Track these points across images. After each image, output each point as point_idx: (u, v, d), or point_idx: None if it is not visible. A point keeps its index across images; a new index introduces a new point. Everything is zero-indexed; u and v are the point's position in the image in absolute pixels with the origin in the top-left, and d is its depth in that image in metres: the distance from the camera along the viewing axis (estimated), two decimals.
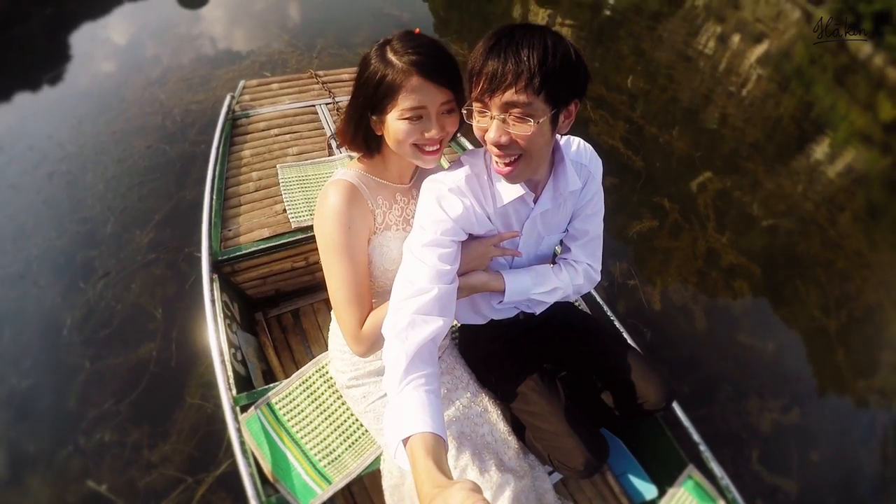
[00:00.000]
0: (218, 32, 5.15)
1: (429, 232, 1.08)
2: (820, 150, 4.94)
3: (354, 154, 1.26)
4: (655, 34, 6.43)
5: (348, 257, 1.14)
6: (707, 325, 2.85)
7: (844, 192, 4.42)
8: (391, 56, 1.05)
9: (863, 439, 2.66)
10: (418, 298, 1.00)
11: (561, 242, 1.40)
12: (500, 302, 1.29)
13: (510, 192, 1.14)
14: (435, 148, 1.11)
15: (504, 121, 0.97)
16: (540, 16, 6.35)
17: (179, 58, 4.62)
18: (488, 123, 1.00)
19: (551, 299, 1.32)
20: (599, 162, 1.29)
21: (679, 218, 3.54)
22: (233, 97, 2.72)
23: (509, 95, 0.94)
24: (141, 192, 3.22)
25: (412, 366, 0.91)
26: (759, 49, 6.87)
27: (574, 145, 1.25)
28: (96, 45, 4.88)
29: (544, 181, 1.20)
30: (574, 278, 1.33)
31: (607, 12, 6.74)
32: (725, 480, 1.51)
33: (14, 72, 4.48)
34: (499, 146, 1.01)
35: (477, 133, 1.04)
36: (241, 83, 2.89)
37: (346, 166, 1.26)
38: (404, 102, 1.05)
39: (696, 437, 1.57)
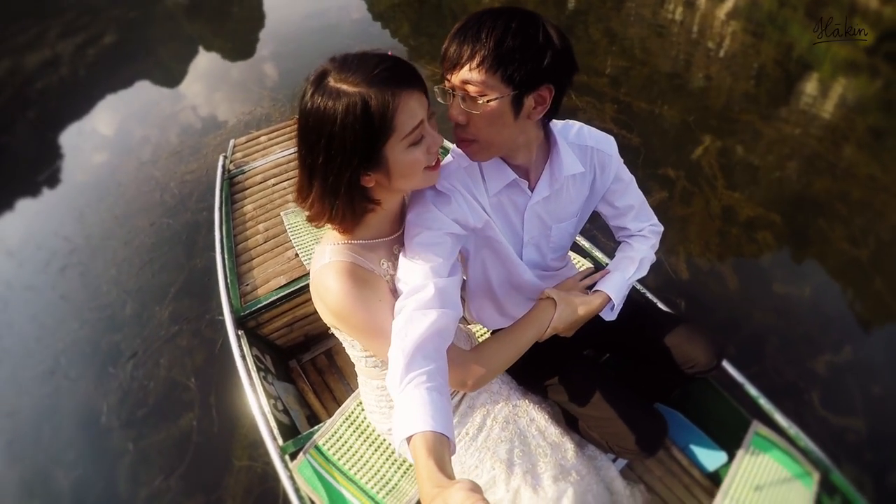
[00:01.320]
0: (199, 103, 5.23)
1: (419, 227, 1.05)
2: (810, 88, 4.86)
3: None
4: (623, 13, 6.44)
5: (385, 334, 0.96)
6: (739, 283, 2.79)
7: (844, 122, 4.32)
8: (354, 88, 0.84)
9: None
10: (415, 296, 0.95)
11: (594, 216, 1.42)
12: (613, 308, 1.30)
13: (499, 179, 1.13)
14: (437, 158, 1.00)
15: (464, 99, 0.97)
16: None
17: (167, 134, 4.69)
18: (451, 102, 1.00)
19: (645, 272, 1.35)
20: (610, 138, 1.27)
21: (687, 184, 3.49)
22: (226, 157, 2.77)
23: (465, 73, 0.95)
24: (153, 268, 3.25)
25: (413, 363, 0.86)
26: (727, 4, 6.85)
27: (574, 128, 1.23)
28: (84, 139, 4.98)
29: (539, 168, 1.17)
30: (647, 242, 1.38)
31: (571, 4, 6.78)
32: (794, 429, 1.45)
33: (9, 177, 4.59)
34: (457, 124, 1.01)
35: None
36: (231, 142, 2.95)
37: (321, 241, 1.09)
38: (405, 126, 0.88)
39: (753, 391, 1.52)
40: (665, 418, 1.33)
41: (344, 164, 0.89)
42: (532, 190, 1.18)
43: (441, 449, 0.75)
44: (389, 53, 0.93)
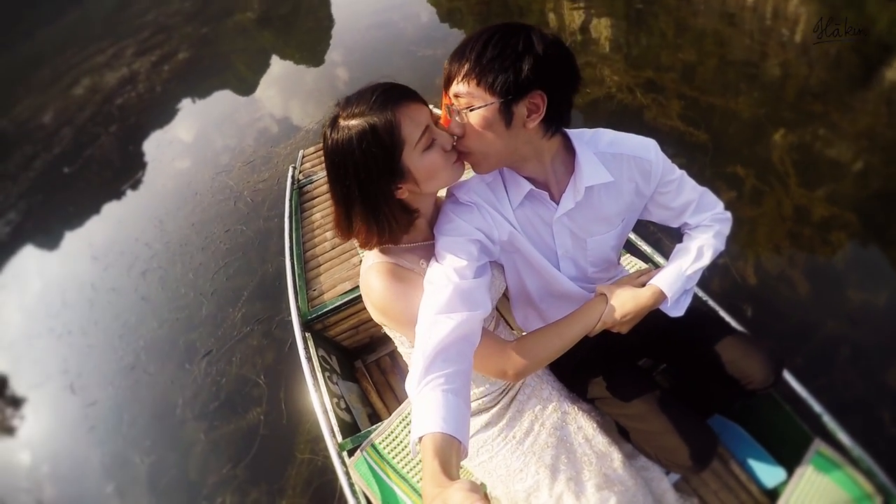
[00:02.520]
0: (271, 112, 5.49)
1: (445, 234, 1.09)
2: (891, 72, 4.48)
3: None
4: (692, 3, 6.19)
5: None
6: (811, 289, 2.63)
7: None
8: (360, 119, 0.96)
9: None
10: (437, 297, 0.97)
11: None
12: (669, 304, 1.23)
13: (518, 191, 1.14)
14: (457, 153, 1.07)
15: (458, 112, 1.02)
16: (574, 16, 6.27)
17: (240, 143, 4.98)
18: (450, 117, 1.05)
19: (707, 260, 1.25)
20: (648, 142, 1.21)
21: (757, 182, 3.32)
22: (295, 168, 2.89)
23: (454, 87, 1.01)
24: (227, 272, 3.46)
25: (433, 365, 0.88)
26: None
27: (607, 137, 1.19)
28: (162, 151, 5.36)
29: (564, 180, 1.15)
30: (709, 231, 1.29)
31: None
32: (858, 450, 1.37)
33: (95, 189, 5.03)
34: (457, 138, 1.05)
35: None
36: (300, 153, 3.09)
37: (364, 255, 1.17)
38: (412, 135, 0.98)
39: (817, 408, 1.44)
40: (716, 434, 1.29)
41: (375, 184, 1.00)
42: (557, 203, 1.16)
43: (448, 451, 0.76)
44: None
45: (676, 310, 1.26)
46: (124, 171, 5.12)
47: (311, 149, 3.17)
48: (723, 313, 1.70)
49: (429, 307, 0.97)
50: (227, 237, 3.75)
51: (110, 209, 4.69)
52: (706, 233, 1.29)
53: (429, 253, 1.13)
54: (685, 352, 1.42)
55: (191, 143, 5.37)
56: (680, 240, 1.37)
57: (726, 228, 1.32)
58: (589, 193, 1.15)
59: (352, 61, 6.13)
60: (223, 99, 6.14)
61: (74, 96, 6.88)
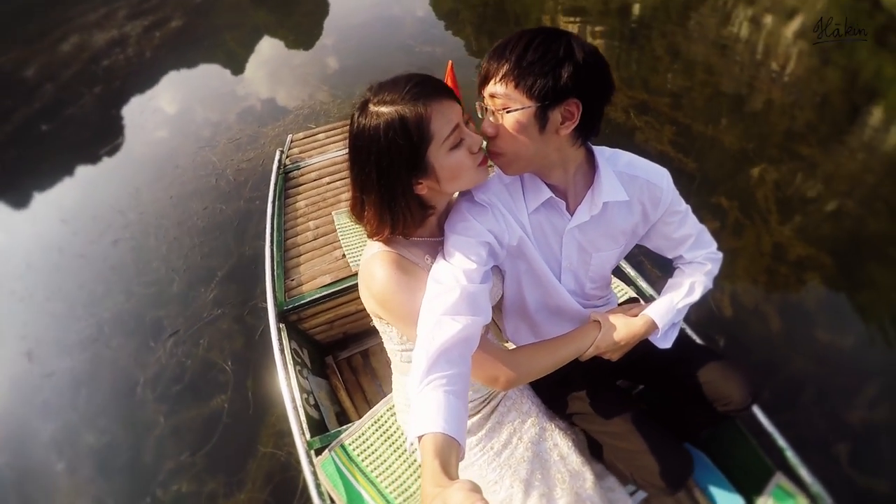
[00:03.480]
0: (261, 91, 5.38)
1: (456, 233, 1.09)
2: (874, 119, 4.58)
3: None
4: (687, 29, 6.27)
5: None
6: (782, 326, 2.69)
7: None
8: (391, 107, 0.95)
9: None
10: (444, 298, 0.97)
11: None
12: (658, 335, 1.29)
13: (536, 196, 1.15)
14: (483, 155, 1.07)
15: (493, 112, 1.03)
16: (569, 29, 6.26)
17: (227, 119, 4.86)
18: (484, 116, 1.06)
19: (697, 296, 1.31)
20: (662, 171, 1.24)
21: (740, 215, 3.38)
22: (282, 152, 2.84)
23: (491, 87, 1.01)
24: (202, 251, 3.37)
25: (436, 366, 0.88)
26: (794, 24, 6.56)
27: (625, 158, 1.22)
28: (146, 117, 5.20)
29: (581, 193, 1.17)
30: (702, 269, 1.34)
31: (636, 12, 6.63)
32: (817, 486, 1.42)
33: (72, 149, 4.84)
34: (489, 138, 1.06)
35: None
36: (289, 137, 3.02)
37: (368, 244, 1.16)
38: (442, 132, 0.96)
39: (781, 442, 1.49)
40: (692, 457, 1.32)
41: (395, 175, 0.99)
42: (572, 214, 1.18)
43: (448, 451, 0.77)
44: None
45: (665, 341, 1.31)
46: (104, 133, 4.95)
47: (301, 134, 3.11)
48: (699, 341, 1.72)
49: (435, 307, 0.96)
50: (205, 214, 3.66)
51: (85, 171, 4.53)
52: (699, 270, 1.34)
53: (435, 250, 1.13)
54: (664, 373, 1.44)
55: (175, 113, 5.23)
56: (664, 267, 1.41)
57: (717, 268, 1.37)
58: (604, 209, 1.17)
59: (345, 48, 6.04)
60: (212, 72, 6.00)
61: (61, 52, 6.66)
